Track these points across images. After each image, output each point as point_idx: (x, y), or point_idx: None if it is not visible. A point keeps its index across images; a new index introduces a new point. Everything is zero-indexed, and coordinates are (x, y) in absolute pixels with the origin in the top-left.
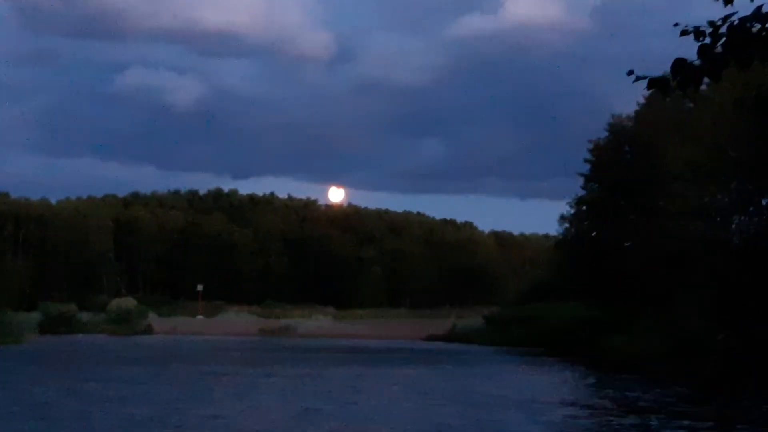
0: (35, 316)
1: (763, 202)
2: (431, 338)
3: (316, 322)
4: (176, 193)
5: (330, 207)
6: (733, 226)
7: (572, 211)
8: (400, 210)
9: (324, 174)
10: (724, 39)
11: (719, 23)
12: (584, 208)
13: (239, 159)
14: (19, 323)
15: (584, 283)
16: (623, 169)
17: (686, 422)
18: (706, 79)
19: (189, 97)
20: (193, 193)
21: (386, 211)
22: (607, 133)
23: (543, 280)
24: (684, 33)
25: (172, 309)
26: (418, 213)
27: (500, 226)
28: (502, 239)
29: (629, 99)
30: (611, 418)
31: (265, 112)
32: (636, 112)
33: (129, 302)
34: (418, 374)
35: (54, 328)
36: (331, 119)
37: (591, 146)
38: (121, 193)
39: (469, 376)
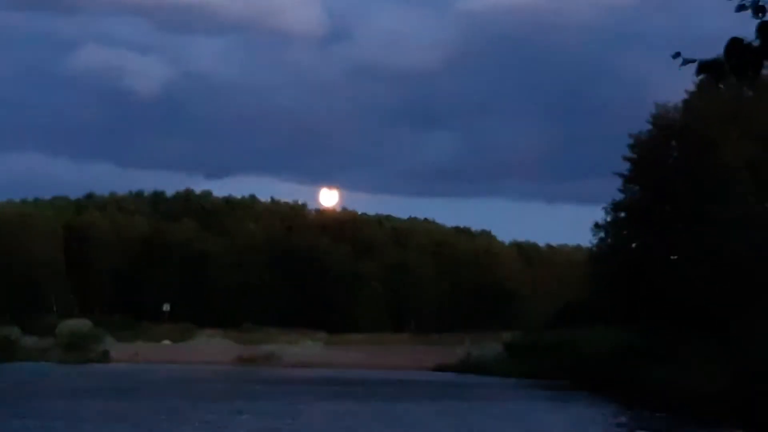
0: None
1: None
2: (440, 368)
3: (305, 349)
4: (138, 194)
5: (321, 212)
6: None
7: (608, 218)
8: (404, 216)
9: (314, 173)
10: None
11: None
12: (623, 214)
13: (213, 155)
14: None
15: (622, 304)
16: (669, 169)
17: None
18: (767, 63)
19: (153, 81)
20: (158, 195)
21: (388, 218)
22: (650, 126)
23: (573, 301)
24: (741, 8)
25: (133, 333)
26: (426, 220)
27: (523, 236)
28: (525, 251)
29: (676, 86)
30: None
31: (243, 99)
32: (684, 101)
33: (82, 324)
34: (423, 412)
35: None
36: (322, 108)
37: (631, 141)
38: (74, 194)
39: (483, 415)
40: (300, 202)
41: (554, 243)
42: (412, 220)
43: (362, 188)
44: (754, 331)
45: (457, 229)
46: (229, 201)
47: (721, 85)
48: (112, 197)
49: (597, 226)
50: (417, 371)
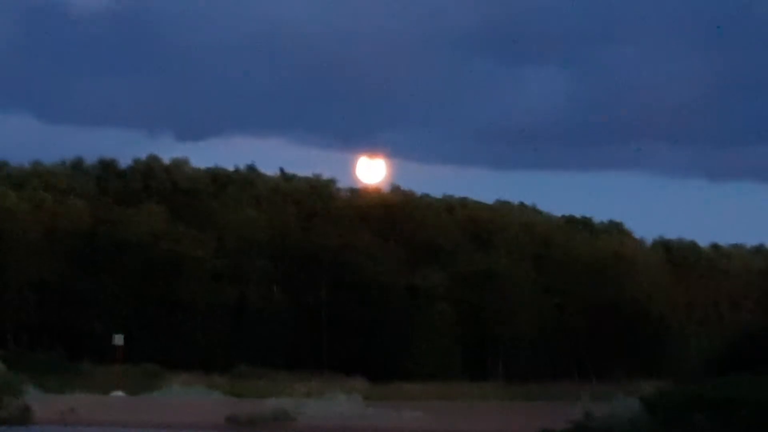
0: None
1: None
2: None
3: (333, 406)
4: (76, 165)
5: (358, 193)
6: None
7: None
8: (487, 199)
9: (347, 132)
10: None
11: None
12: None
13: (190, 104)
14: None
15: None
16: None
17: None
18: None
19: None
20: (106, 166)
21: (463, 201)
22: None
23: (753, 330)
24: None
25: (67, 379)
26: (521, 204)
27: (673, 232)
28: (676, 255)
29: None
30: None
31: (237, 18)
32: None
33: None
34: None
35: None
36: (358, 33)
37: None
38: None
39: None
40: (325, 178)
41: (722, 243)
42: (501, 206)
43: (421, 156)
44: None
45: (569, 220)
46: (215, 175)
47: None
48: (35, 168)
49: None
50: None
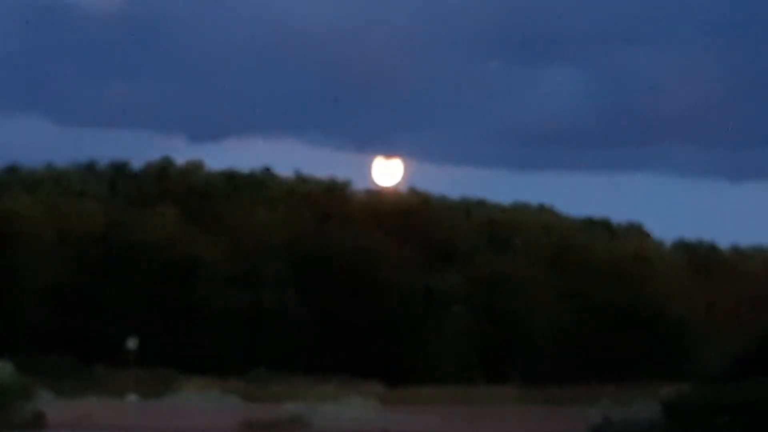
0: None
1: None
2: None
3: (350, 410)
4: (90, 167)
5: (375, 195)
6: None
7: None
8: (505, 200)
9: (363, 134)
10: None
11: None
12: None
13: (203, 106)
14: None
15: None
16: None
17: None
18: None
19: None
20: (119, 169)
21: (480, 203)
22: None
23: None
24: None
25: (81, 383)
26: (541, 206)
27: (694, 233)
28: (697, 257)
29: None
30: None
31: (253, 20)
32: None
33: (1, 371)
34: None
35: None
36: (372, 33)
37: None
38: None
39: None
40: (342, 179)
41: (743, 244)
42: (518, 207)
43: (438, 157)
44: None
45: (588, 222)
46: (230, 177)
47: None
48: (49, 171)
49: None
50: None
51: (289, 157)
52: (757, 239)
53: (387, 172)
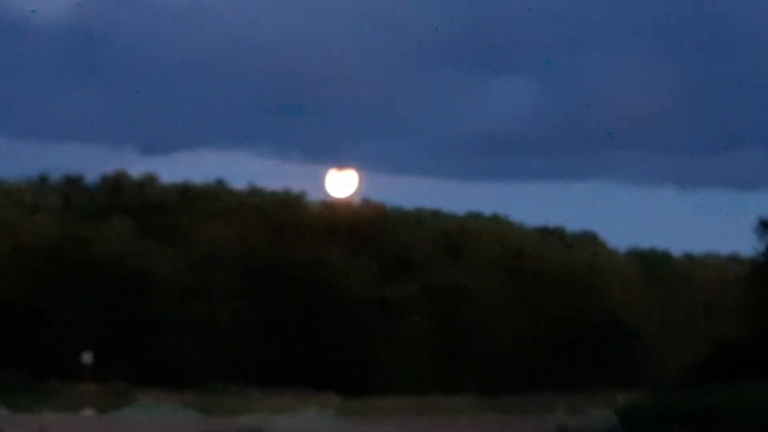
0: None
1: None
2: None
3: (306, 422)
4: (43, 180)
5: (329, 206)
6: None
7: None
8: (458, 210)
9: (316, 146)
10: None
11: None
12: None
13: (154, 119)
14: None
15: None
16: None
17: None
18: None
19: (59, 2)
20: (73, 182)
21: (435, 214)
22: None
23: (728, 340)
24: None
25: (36, 398)
26: (495, 216)
27: (647, 241)
28: (649, 265)
29: None
30: None
31: (203, 31)
32: None
33: None
34: None
35: None
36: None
37: None
38: None
39: None
40: (295, 191)
41: (696, 252)
42: (472, 217)
43: (392, 168)
44: None
45: (543, 231)
46: (184, 190)
47: None
48: (0, 185)
49: (765, 224)
50: None
51: (241, 169)
52: (709, 246)
53: (340, 184)
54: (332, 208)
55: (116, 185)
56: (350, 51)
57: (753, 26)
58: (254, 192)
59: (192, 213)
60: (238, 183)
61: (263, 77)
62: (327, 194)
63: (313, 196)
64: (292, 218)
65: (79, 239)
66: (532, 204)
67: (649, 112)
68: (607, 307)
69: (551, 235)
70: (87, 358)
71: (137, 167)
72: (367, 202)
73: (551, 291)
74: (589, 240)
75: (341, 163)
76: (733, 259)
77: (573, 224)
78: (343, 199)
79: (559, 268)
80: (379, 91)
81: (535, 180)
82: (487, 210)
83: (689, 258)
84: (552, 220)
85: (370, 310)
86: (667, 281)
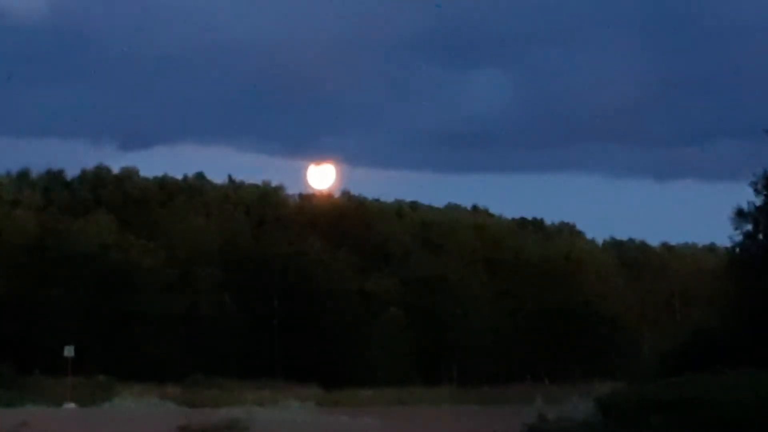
0: None
1: None
2: None
3: (287, 414)
4: (22, 176)
5: (308, 199)
6: None
7: (759, 202)
8: (438, 203)
9: (295, 139)
10: None
11: None
12: None
13: (134, 114)
14: None
15: None
16: None
17: None
18: None
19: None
20: (53, 177)
21: (413, 205)
22: None
23: (704, 330)
24: None
25: (17, 392)
26: (474, 208)
27: (624, 232)
28: (627, 255)
29: None
30: None
31: (182, 26)
32: None
33: None
34: None
35: None
36: (302, 40)
37: None
38: None
39: None
40: (275, 184)
41: (673, 242)
42: (452, 209)
43: (371, 161)
44: None
45: (521, 222)
46: (163, 184)
47: None
48: None
49: (741, 214)
50: None
51: (221, 163)
52: (686, 237)
53: (320, 177)
54: (312, 201)
55: (96, 180)
56: (328, 46)
57: (729, 20)
58: (234, 186)
59: (172, 207)
60: (218, 177)
61: (242, 72)
62: (307, 188)
63: (293, 190)
64: (272, 212)
65: (60, 234)
66: (511, 196)
67: (626, 104)
68: (586, 297)
69: (529, 227)
70: (69, 351)
71: (117, 162)
72: (346, 195)
73: (530, 282)
74: (567, 231)
75: (321, 157)
76: (710, 250)
77: (551, 216)
78: (323, 192)
79: (537, 259)
80: (356, 86)
81: (514, 172)
82: (465, 202)
83: (667, 248)
84: (530, 212)
85: (350, 302)
86: (644, 271)
